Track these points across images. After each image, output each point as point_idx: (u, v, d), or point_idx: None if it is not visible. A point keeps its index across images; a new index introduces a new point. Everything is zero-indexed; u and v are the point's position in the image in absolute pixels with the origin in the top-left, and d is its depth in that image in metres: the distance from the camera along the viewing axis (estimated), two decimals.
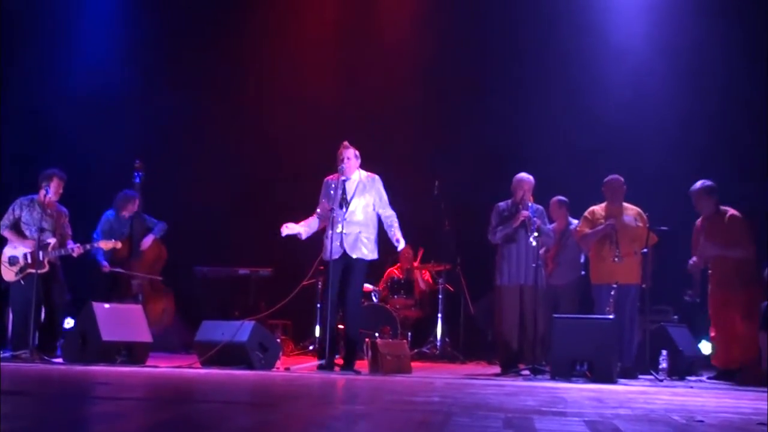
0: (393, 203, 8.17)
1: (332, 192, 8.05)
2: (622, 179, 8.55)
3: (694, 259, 8.31)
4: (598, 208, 8.59)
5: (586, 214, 8.62)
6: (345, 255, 7.94)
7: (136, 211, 9.76)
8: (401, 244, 8.13)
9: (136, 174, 9.63)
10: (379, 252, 8.19)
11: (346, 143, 8.13)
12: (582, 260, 9.35)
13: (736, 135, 10.57)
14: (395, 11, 12.96)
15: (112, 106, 12.30)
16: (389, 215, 8.11)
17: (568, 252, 9.26)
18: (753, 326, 8.02)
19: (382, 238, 8.19)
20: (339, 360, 8.26)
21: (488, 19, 12.02)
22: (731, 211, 8.24)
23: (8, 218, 8.74)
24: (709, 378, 8.37)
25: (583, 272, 9.32)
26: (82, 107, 12.03)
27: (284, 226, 8.07)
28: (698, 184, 8.30)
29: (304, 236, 8.15)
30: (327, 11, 13.02)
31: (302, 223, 8.14)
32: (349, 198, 8.01)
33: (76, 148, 11.42)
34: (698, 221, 8.39)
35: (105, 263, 9.62)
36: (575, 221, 9.09)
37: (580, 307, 9.09)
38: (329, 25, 12.91)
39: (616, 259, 8.23)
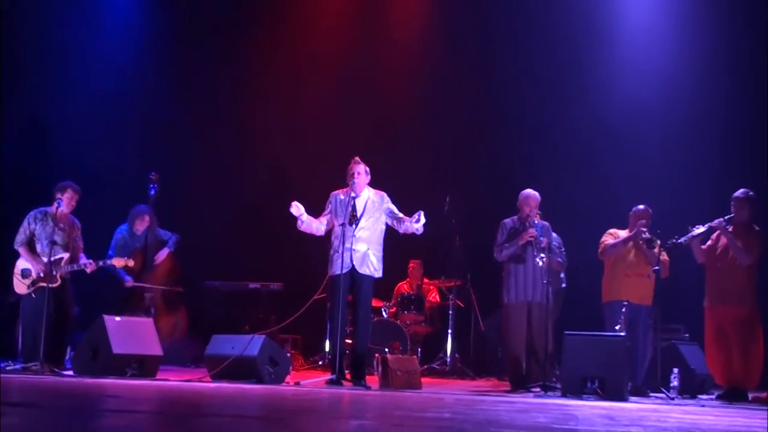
0: None
1: (342, 207, 8.07)
2: (651, 211, 8.54)
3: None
4: (620, 232, 8.59)
5: (609, 231, 8.64)
6: (353, 270, 7.97)
7: (149, 226, 9.79)
8: (422, 217, 7.85)
9: (151, 186, 9.64)
10: (386, 270, 8.23)
11: (357, 158, 8.14)
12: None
13: (742, 154, 10.54)
14: (405, 26, 13.00)
15: (127, 120, 12.36)
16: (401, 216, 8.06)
17: None
18: (750, 344, 8.03)
19: (388, 257, 8.22)
20: (349, 375, 8.26)
21: (499, 35, 12.03)
22: (758, 228, 8.25)
23: (24, 233, 8.71)
24: (718, 396, 8.32)
25: (564, 285, 9.33)
26: (97, 121, 12.10)
27: (295, 203, 8.06)
28: (741, 191, 8.28)
29: (302, 225, 8.13)
30: (335, 28, 13.05)
31: (309, 216, 8.13)
32: (359, 215, 8.03)
33: (90, 161, 11.47)
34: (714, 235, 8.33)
35: (128, 278, 9.67)
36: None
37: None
38: (338, 39, 12.95)
39: (657, 249, 8.20)
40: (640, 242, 8.36)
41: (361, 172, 8.08)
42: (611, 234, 8.61)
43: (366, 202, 8.10)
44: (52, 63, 12.24)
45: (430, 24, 12.82)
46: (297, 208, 8.07)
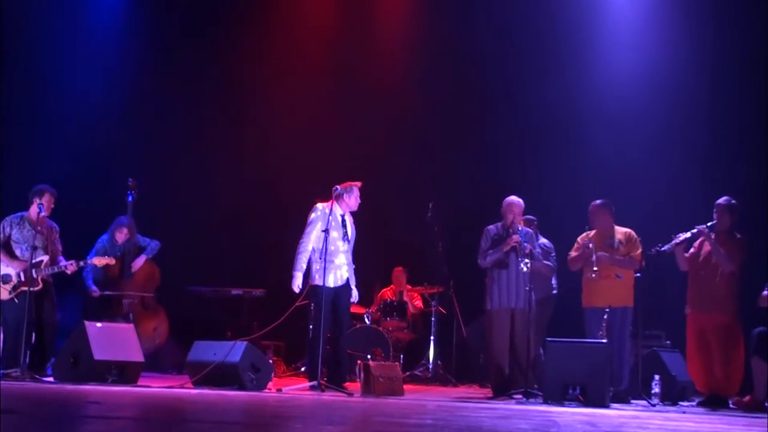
0: (387, 225, 8.27)
1: (331, 221, 8.16)
2: (599, 202, 8.59)
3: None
4: (591, 233, 8.63)
5: (578, 238, 8.67)
6: (346, 284, 8.28)
7: (129, 238, 9.77)
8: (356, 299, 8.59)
9: (128, 193, 9.59)
10: (370, 276, 8.82)
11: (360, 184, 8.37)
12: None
13: (724, 160, 10.61)
14: (387, 33, 13.02)
15: (108, 125, 12.29)
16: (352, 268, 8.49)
17: None
18: (731, 351, 8.08)
19: (372, 264, 8.39)
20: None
21: (485, 44, 12.03)
22: (740, 235, 8.31)
23: None
24: (699, 403, 8.36)
25: (555, 291, 9.37)
26: (76, 125, 12.02)
27: (294, 286, 8.20)
28: (723, 199, 8.34)
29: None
30: (321, 34, 13.06)
31: (299, 268, 8.23)
32: (349, 233, 8.35)
33: (69, 166, 11.38)
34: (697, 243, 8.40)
35: (94, 288, 9.62)
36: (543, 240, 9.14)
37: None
38: (323, 46, 12.96)
39: (593, 275, 8.29)
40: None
41: (358, 195, 8.36)
42: (578, 242, 8.65)
43: (350, 221, 8.43)
44: (31, 63, 12.13)
45: (414, 31, 12.82)
46: (298, 286, 8.23)
